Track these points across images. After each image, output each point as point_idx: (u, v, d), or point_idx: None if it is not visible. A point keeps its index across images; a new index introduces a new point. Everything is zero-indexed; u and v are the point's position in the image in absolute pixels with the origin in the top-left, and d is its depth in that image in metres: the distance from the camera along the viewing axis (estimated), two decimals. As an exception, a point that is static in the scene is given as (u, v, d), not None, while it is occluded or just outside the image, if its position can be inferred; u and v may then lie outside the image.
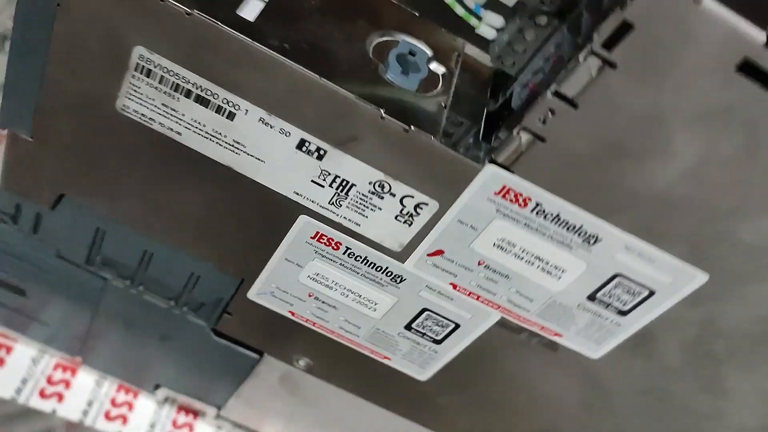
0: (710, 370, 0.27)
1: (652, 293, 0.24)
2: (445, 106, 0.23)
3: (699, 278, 0.24)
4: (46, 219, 0.28)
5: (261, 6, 0.22)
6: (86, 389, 0.36)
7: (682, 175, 0.21)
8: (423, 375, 0.31)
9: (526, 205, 0.23)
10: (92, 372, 0.36)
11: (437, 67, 0.24)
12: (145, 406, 0.36)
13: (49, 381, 0.35)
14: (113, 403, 0.36)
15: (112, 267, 0.30)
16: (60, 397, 0.35)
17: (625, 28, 0.18)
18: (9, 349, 0.35)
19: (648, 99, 0.19)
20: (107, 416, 0.35)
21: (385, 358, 0.30)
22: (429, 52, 0.25)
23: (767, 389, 0.27)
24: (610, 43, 0.19)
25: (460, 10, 0.24)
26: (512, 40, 0.23)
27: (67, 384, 0.35)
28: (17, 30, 0.23)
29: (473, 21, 0.24)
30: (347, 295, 0.28)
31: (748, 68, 0.18)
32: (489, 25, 0.24)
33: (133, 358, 0.35)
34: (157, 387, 0.36)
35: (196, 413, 0.37)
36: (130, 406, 0.36)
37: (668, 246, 0.23)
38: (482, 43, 0.25)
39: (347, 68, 0.22)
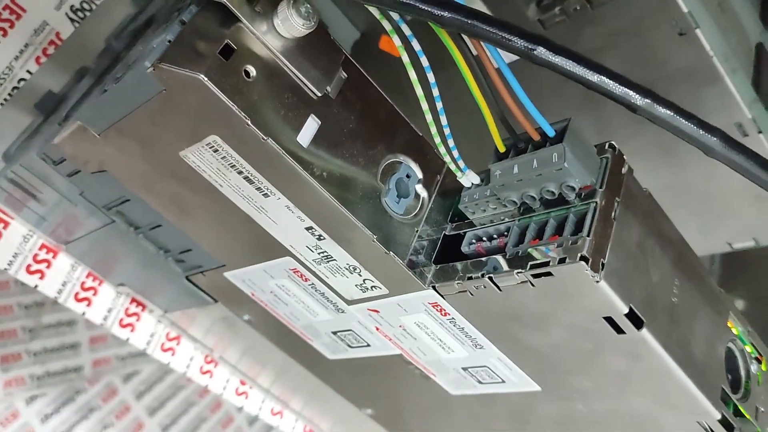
0: (516, 422, 0.40)
1: (503, 381, 0.35)
2: (417, 231, 0.32)
3: (534, 387, 0.35)
4: (83, 174, 0.34)
5: (315, 129, 0.29)
6: (63, 271, 0.43)
7: (546, 344, 0.31)
8: (332, 356, 0.41)
9: (445, 315, 0.32)
10: (70, 257, 0.43)
11: (421, 191, 0.32)
12: (106, 293, 0.45)
13: (35, 259, 0.42)
14: (82, 287, 0.44)
15: (123, 217, 0.37)
16: (42, 274, 0.42)
17: (548, 273, 0.27)
18: (6, 225, 0.41)
19: (546, 307, 0.29)
20: (76, 297, 0.43)
21: (310, 339, 0.40)
22: (419, 175, 0.32)
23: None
24: (537, 275, 0.28)
25: (449, 161, 0.31)
26: (479, 200, 0.31)
27: (48, 264, 0.42)
28: (129, 77, 0.28)
29: (458, 172, 0.31)
30: (299, 303, 0.37)
31: (609, 319, 0.28)
32: (468, 178, 0.32)
33: (109, 260, 0.43)
34: (120, 284, 0.44)
35: (144, 306, 0.46)
36: (95, 291, 0.44)
37: (523, 366, 0.34)
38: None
39: (360, 194, 0.30)
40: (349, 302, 0.35)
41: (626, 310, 0.27)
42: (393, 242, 0.30)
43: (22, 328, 0.92)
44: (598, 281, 0.26)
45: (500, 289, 0.29)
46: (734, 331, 0.34)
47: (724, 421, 0.31)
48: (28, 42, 0.42)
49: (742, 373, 0.34)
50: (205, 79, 0.25)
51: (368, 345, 0.38)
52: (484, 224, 0.31)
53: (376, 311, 0.35)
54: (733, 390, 0.33)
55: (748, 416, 0.33)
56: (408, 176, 0.32)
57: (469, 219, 0.32)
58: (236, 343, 0.48)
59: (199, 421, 1.07)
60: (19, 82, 0.42)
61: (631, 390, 0.32)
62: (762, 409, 0.34)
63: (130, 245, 0.39)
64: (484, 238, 0.31)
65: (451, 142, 0.30)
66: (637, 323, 0.28)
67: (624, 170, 0.29)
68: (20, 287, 0.90)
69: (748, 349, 0.35)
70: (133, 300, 0.46)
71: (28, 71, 0.42)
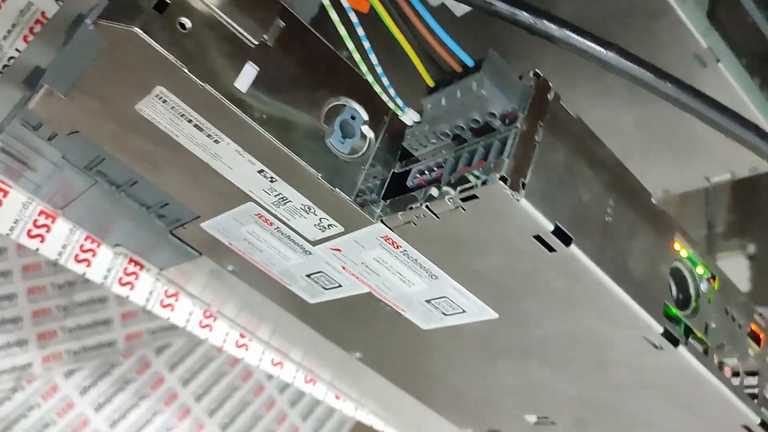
0: (484, 355, 0.41)
1: (464, 311, 0.37)
2: (365, 168, 0.33)
3: (492, 314, 0.36)
4: (60, 137, 0.37)
5: (254, 75, 0.31)
6: (62, 235, 0.46)
7: (494, 268, 0.33)
8: (312, 300, 0.43)
9: (398, 248, 0.34)
10: (67, 222, 0.47)
11: (367, 131, 0.34)
12: (105, 254, 0.48)
13: (35, 224, 0.45)
14: (82, 249, 0.47)
15: (103, 177, 0.40)
16: (42, 238, 0.45)
17: (474, 196, 0.29)
18: (6, 193, 0.45)
19: (481, 231, 0.31)
20: (76, 259, 0.47)
21: (288, 284, 0.43)
22: (365, 117, 0.34)
23: (527, 381, 0.42)
24: (465, 198, 0.29)
25: (387, 100, 0.33)
26: (422, 137, 0.33)
27: (48, 228, 0.46)
28: (76, 36, 0.30)
29: (397, 110, 0.33)
30: (271, 249, 0.39)
31: (539, 238, 0.29)
32: (408, 116, 0.33)
33: (102, 222, 0.46)
34: (116, 245, 0.48)
35: (142, 266, 0.49)
36: (94, 253, 0.47)
37: (479, 294, 0.35)
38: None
39: (303, 135, 0.32)
40: (313, 243, 0.37)
41: (552, 228, 0.29)
42: (339, 180, 0.32)
43: (56, 306, 0.98)
44: (518, 200, 0.28)
45: (438, 217, 0.31)
46: (684, 252, 0.35)
47: (667, 335, 0.33)
48: (15, 22, 0.45)
49: (692, 291, 0.35)
50: (141, 32, 0.27)
51: (340, 285, 0.40)
52: (426, 158, 0.33)
53: (339, 250, 0.37)
54: (681, 307, 0.35)
55: (697, 332, 0.34)
56: (353, 118, 0.34)
57: (414, 156, 0.34)
58: (233, 297, 0.50)
59: (231, 390, 1.12)
60: (9, 60, 0.45)
61: (577, 310, 0.33)
62: (713, 326, 0.35)
63: (116, 205, 0.41)
64: (426, 172, 0.33)
65: (385, 81, 0.31)
66: (566, 240, 0.29)
67: (550, 96, 0.31)
68: (52, 268, 0.95)
69: (701, 270, 0.36)
70: (131, 260, 0.49)
71: (17, 50, 0.45)
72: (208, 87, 0.29)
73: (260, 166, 0.33)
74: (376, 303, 0.40)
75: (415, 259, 0.35)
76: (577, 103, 0.48)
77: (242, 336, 0.53)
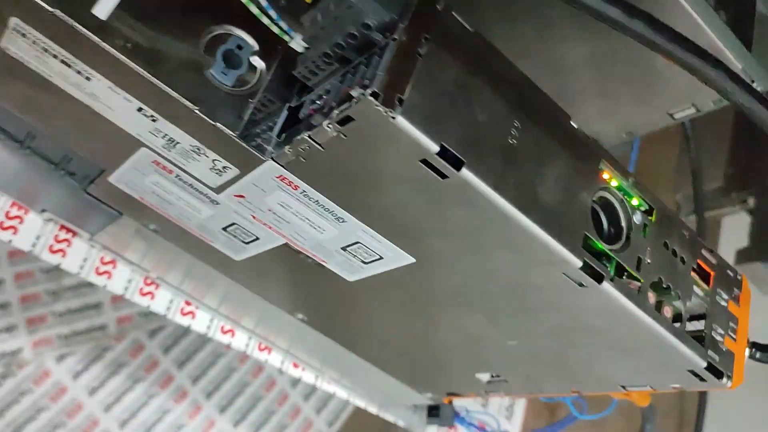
0: (417, 307, 0.39)
1: (381, 257, 0.35)
2: (253, 102, 0.31)
3: (409, 258, 0.34)
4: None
5: (114, 3, 0.28)
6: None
7: (394, 203, 0.30)
8: (237, 257, 0.41)
9: (297, 189, 0.32)
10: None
11: (257, 62, 0.31)
12: (33, 221, 0.46)
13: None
14: (7, 216, 0.45)
15: (5, 133, 0.38)
16: None
17: (349, 118, 0.26)
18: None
19: (367, 159, 0.28)
20: (1, 227, 0.45)
21: (210, 241, 0.40)
22: (255, 47, 0.31)
23: (467, 336, 0.39)
24: (342, 121, 0.26)
25: (268, 23, 0.30)
26: (310, 63, 0.30)
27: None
28: None
29: (283, 35, 0.30)
30: (180, 201, 0.37)
31: (426, 162, 0.27)
32: (297, 42, 0.30)
33: (22, 186, 0.44)
34: (43, 210, 0.46)
35: (75, 232, 0.47)
36: (21, 219, 0.46)
37: (389, 236, 0.33)
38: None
39: (178, 66, 0.29)
40: (216, 190, 0.35)
41: (437, 149, 0.26)
42: (220, 114, 0.30)
43: (45, 291, 0.97)
44: (393, 117, 0.25)
45: (322, 147, 0.28)
46: (614, 182, 0.32)
47: (588, 269, 0.30)
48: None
49: (624, 224, 0.32)
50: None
51: (257, 238, 0.38)
52: (318, 87, 0.30)
53: (242, 196, 0.34)
54: (609, 241, 0.32)
55: (627, 267, 0.31)
56: (240, 47, 0.31)
57: (309, 85, 0.31)
58: (168, 261, 0.48)
59: (228, 371, 1.10)
60: None
61: (487, 246, 0.31)
62: (648, 261, 0.32)
63: (27, 165, 0.40)
64: (316, 101, 0.30)
65: (263, 1, 0.29)
66: (456, 163, 0.26)
67: (439, 7, 0.28)
68: (37, 252, 0.94)
69: (636, 201, 0.33)
70: (63, 227, 0.47)
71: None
72: (58, 13, 0.27)
73: (137, 103, 0.30)
74: (297, 256, 0.38)
75: (317, 201, 0.32)
76: (520, 40, 0.45)
77: (188, 303, 0.51)
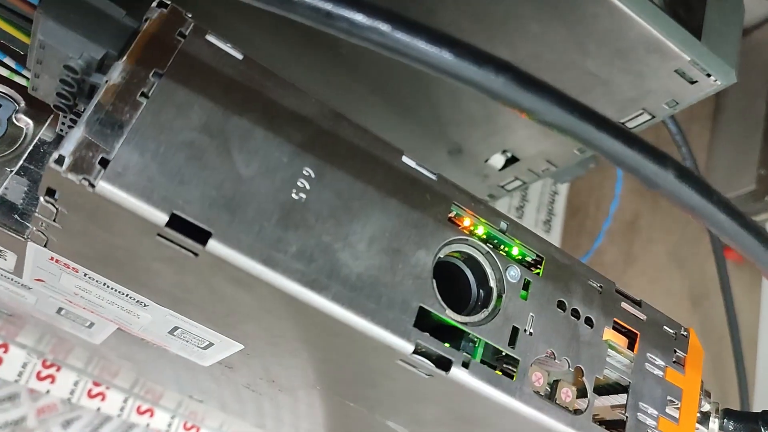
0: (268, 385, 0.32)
1: (212, 343, 0.28)
2: (13, 170, 0.25)
3: (237, 345, 0.27)
4: None
5: None
6: None
7: (171, 282, 0.23)
8: (93, 341, 0.35)
9: (77, 271, 0.26)
10: None
11: (25, 122, 0.26)
12: None
13: None
14: None
15: None
16: None
17: (50, 191, 0.20)
18: None
19: (106, 234, 0.21)
20: None
21: (57, 325, 0.35)
22: (21, 104, 0.26)
23: (340, 416, 0.32)
24: (49, 193, 0.20)
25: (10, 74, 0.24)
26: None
27: None
28: None
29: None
30: (5, 290, 0.31)
31: (165, 237, 0.20)
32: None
33: None
34: None
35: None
36: None
37: (203, 322, 0.26)
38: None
39: None
40: (15, 274, 0.29)
41: (165, 219, 0.19)
42: (-39, 190, 0.24)
43: (45, 357, 0.94)
44: (93, 186, 0.19)
45: (57, 223, 0.22)
46: (480, 228, 0.25)
47: (428, 355, 0.22)
48: None
49: (493, 283, 0.24)
50: None
51: (92, 323, 0.32)
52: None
53: (42, 280, 0.28)
54: (469, 311, 0.24)
55: (492, 343, 0.23)
56: (-1, 106, 0.26)
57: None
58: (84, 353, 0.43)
59: None
60: None
61: (294, 330, 0.24)
62: (529, 331, 0.24)
63: None
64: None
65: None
66: (200, 237, 0.20)
67: (186, 30, 0.21)
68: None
69: (516, 251, 0.25)
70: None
71: None
72: None
73: None
74: (141, 342, 0.31)
75: (105, 284, 0.26)
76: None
77: (96, 384, 0.46)
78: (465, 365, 0.22)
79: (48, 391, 0.46)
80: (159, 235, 0.20)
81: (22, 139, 0.26)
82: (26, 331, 0.42)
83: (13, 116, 0.26)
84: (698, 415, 0.29)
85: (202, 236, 0.20)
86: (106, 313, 0.29)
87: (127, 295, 0.26)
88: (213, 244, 0.20)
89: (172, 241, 0.20)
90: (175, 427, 0.48)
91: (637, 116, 0.38)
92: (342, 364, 0.25)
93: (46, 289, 0.29)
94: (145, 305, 0.26)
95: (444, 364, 0.22)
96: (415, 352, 0.22)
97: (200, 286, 0.23)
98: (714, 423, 0.30)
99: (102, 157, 0.19)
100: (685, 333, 0.28)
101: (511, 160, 0.44)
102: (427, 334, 0.22)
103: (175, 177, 0.20)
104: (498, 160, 0.45)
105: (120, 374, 0.45)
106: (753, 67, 0.80)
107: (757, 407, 0.75)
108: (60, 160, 0.18)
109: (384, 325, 0.21)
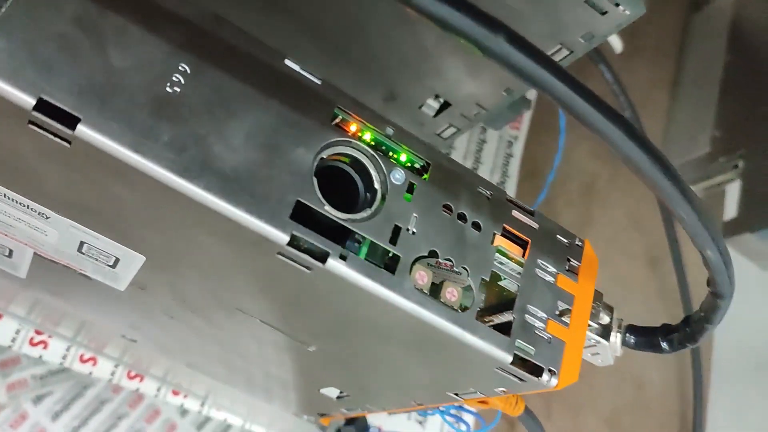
0: (195, 314, 0.32)
1: (118, 258, 0.29)
2: None
3: (140, 257, 0.28)
4: None
5: None
6: None
7: (58, 182, 0.24)
8: (17, 274, 0.36)
9: (-23, 182, 0.26)
10: None
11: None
12: None
13: None
14: None
15: None
16: None
17: None
18: None
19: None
20: None
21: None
22: None
23: (253, 332, 0.33)
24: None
25: None
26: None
27: None
28: None
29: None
30: None
31: (35, 125, 0.21)
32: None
33: None
34: None
35: None
36: None
37: (101, 230, 0.27)
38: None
39: None
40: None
41: (32, 103, 0.20)
42: None
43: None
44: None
45: None
46: (367, 134, 0.25)
47: (302, 246, 0.23)
48: None
49: (378, 186, 0.25)
50: None
51: (10, 250, 0.32)
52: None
53: (-49, 200, 0.29)
54: (354, 207, 0.25)
55: (373, 239, 0.24)
56: None
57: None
58: (20, 296, 0.44)
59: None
60: None
61: (175, 225, 0.24)
62: (412, 230, 0.25)
63: None
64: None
65: None
66: (68, 121, 0.20)
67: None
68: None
69: (404, 157, 0.26)
70: None
71: None
72: None
73: None
74: (55, 266, 0.32)
75: (4, 194, 0.26)
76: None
77: (38, 333, 0.47)
78: (343, 258, 0.23)
79: (-11, 339, 0.46)
80: (30, 122, 0.21)
81: None
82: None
83: None
84: (598, 327, 0.30)
85: (70, 121, 0.20)
86: (18, 234, 0.30)
87: (28, 207, 0.27)
88: (82, 130, 0.20)
89: (42, 128, 0.21)
90: (119, 376, 0.49)
91: (555, 52, 0.38)
92: (228, 270, 0.26)
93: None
94: (47, 217, 0.27)
95: (321, 257, 0.23)
96: (292, 245, 0.23)
97: (84, 185, 0.23)
98: (615, 337, 0.31)
99: (-32, 43, 0.19)
100: (579, 243, 0.29)
101: (444, 106, 0.45)
102: (303, 227, 0.23)
103: (45, 65, 0.20)
104: (431, 107, 0.45)
105: (62, 323, 0.46)
106: (712, 33, 0.81)
107: (715, 369, 0.76)
108: (-77, 43, 0.19)
109: (258, 216, 0.22)
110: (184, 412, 0.53)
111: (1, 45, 0.20)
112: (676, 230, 0.72)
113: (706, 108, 0.77)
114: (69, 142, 0.21)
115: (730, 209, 0.68)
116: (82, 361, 0.48)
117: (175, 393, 0.51)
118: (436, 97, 0.44)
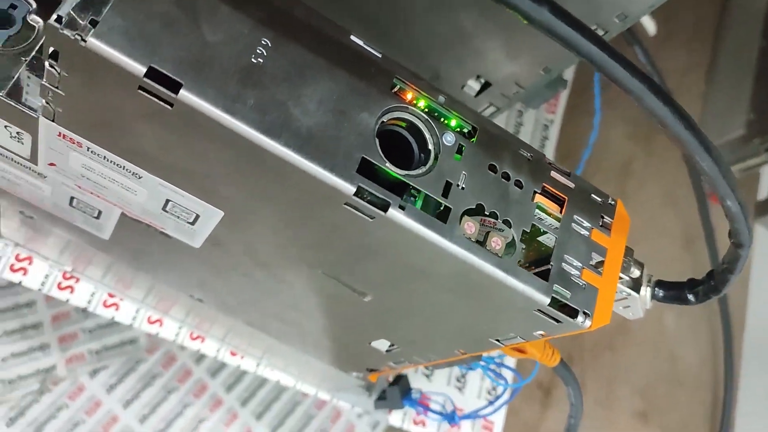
0: (262, 270, 0.36)
1: (198, 215, 0.32)
2: (26, 60, 0.30)
3: (219, 213, 0.31)
4: None
5: None
6: None
7: (155, 144, 0.28)
8: (101, 235, 0.40)
9: (81, 146, 0.30)
10: None
11: (35, 20, 0.30)
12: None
13: None
14: None
15: None
16: None
17: (54, 53, 0.24)
18: None
19: (105, 97, 0.26)
20: None
21: (72, 219, 0.40)
22: (33, 5, 0.30)
23: (313, 285, 0.36)
24: (53, 56, 0.25)
25: None
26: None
27: None
28: None
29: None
30: (16, 178, 0.36)
31: (144, 89, 0.24)
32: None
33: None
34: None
35: (-13, 232, 0.48)
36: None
37: (186, 187, 0.30)
38: None
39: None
40: (31, 161, 0.34)
41: (143, 71, 0.24)
42: (-15, 74, 0.29)
43: (74, 309, 1.00)
44: (84, 41, 0.23)
45: (60, 89, 0.26)
46: (421, 102, 0.29)
47: (367, 196, 0.26)
48: None
49: (431, 147, 0.28)
50: None
51: (100, 211, 0.37)
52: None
53: (54, 164, 0.33)
54: (410, 165, 0.28)
55: (427, 192, 0.28)
56: (14, 6, 0.30)
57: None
58: (98, 259, 0.48)
59: (263, 379, 1.10)
60: None
61: (258, 182, 0.28)
62: (461, 186, 0.28)
63: None
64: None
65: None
66: (172, 86, 0.24)
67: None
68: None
69: (455, 122, 0.29)
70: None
71: None
72: None
73: None
74: (140, 226, 0.36)
75: (105, 156, 0.30)
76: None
77: (111, 296, 0.51)
78: (401, 207, 0.26)
79: (67, 301, 0.50)
80: (140, 87, 0.24)
81: (34, 35, 0.30)
82: (49, 243, 0.47)
83: (27, 16, 0.30)
84: (629, 280, 0.33)
85: (174, 86, 0.24)
86: (110, 195, 0.34)
87: (123, 167, 0.30)
88: (184, 94, 0.24)
89: (150, 93, 0.24)
90: (182, 337, 0.53)
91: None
92: (297, 223, 0.30)
93: (58, 174, 0.34)
94: (139, 177, 0.31)
95: (383, 206, 0.26)
96: (358, 195, 0.26)
97: (178, 145, 0.27)
98: (645, 291, 0.33)
99: (92, 18, 0.23)
100: (612, 202, 0.32)
101: (485, 86, 0.48)
102: (368, 180, 0.26)
103: (152, 39, 0.24)
104: (472, 88, 0.48)
105: (133, 286, 0.50)
106: (747, 18, 0.83)
107: (747, 346, 0.78)
108: (59, 19, 0.23)
109: (330, 169, 0.26)
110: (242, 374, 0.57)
111: (117, 23, 0.24)
112: (709, 211, 0.74)
113: (741, 91, 0.78)
114: (171, 105, 0.24)
115: (764, 190, 0.70)
116: (150, 322, 0.52)
117: (233, 353, 0.55)
118: (478, 77, 0.47)
